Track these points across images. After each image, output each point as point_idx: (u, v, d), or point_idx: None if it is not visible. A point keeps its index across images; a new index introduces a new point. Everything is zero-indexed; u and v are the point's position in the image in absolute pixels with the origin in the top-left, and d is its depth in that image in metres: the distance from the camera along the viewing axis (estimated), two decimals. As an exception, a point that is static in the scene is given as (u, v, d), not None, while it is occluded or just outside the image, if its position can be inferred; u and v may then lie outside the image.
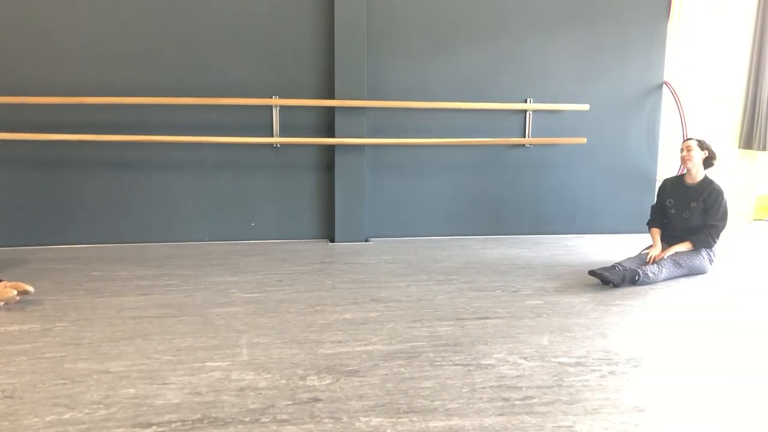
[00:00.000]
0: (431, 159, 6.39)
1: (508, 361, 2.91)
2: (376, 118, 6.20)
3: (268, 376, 2.70)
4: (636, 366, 2.87)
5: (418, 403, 2.44)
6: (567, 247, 5.93)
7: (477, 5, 6.27)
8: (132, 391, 2.53)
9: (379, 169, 6.32)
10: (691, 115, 7.87)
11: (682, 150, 4.79)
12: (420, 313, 3.69)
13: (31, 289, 3.74)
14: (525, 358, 2.95)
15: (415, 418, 2.30)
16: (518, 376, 2.72)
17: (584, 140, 6.45)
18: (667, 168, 7.48)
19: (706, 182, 4.69)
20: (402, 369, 2.80)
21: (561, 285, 4.41)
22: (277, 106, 5.95)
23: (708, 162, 4.75)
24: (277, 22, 5.93)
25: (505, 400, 2.47)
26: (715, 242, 4.62)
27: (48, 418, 2.27)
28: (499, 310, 3.75)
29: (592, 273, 4.31)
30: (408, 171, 6.38)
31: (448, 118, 6.33)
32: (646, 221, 5.19)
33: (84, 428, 2.20)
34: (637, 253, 4.85)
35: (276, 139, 5.96)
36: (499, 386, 2.61)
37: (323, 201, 6.27)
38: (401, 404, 2.42)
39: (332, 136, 6.07)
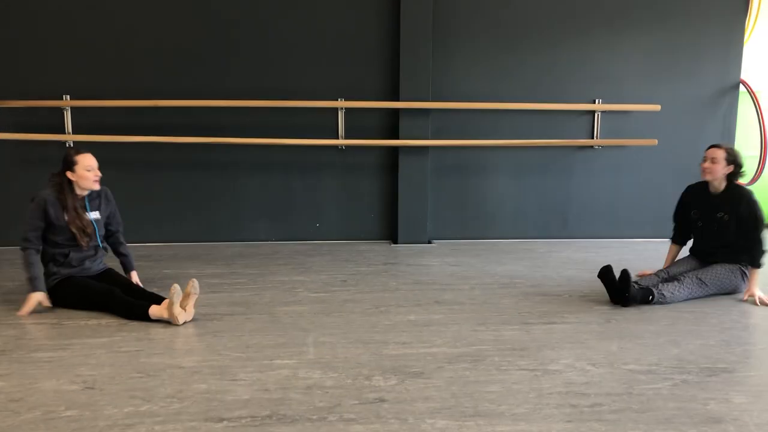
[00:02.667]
0: (495, 161, 6.34)
1: (575, 367, 2.85)
2: (440, 119, 6.19)
3: (334, 375, 2.73)
4: (711, 375, 2.76)
5: (483, 407, 2.42)
6: (636, 252, 5.78)
7: (544, 4, 6.18)
8: (203, 386, 2.61)
9: (443, 170, 6.30)
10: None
11: (705, 159, 4.11)
12: (484, 316, 3.67)
13: (191, 287, 3.49)
14: (593, 365, 2.89)
15: (481, 422, 2.29)
16: (586, 383, 2.66)
17: (655, 142, 6.27)
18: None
19: (732, 189, 4.11)
20: (467, 372, 2.78)
21: (630, 290, 4.29)
22: (342, 108, 6.02)
23: (733, 177, 4.11)
24: (343, 24, 6.00)
25: (573, 406, 2.43)
26: (765, 251, 4.02)
27: (126, 410, 2.37)
28: (566, 315, 3.69)
29: (602, 274, 3.86)
30: (471, 173, 6.34)
31: (514, 119, 6.27)
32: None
33: (159, 420, 2.28)
34: (661, 267, 4.44)
35: (341, 141, 6.03)
36: (566, 392, 2.56)
37: (386, 202, 6.30)
38: (467, 407, 2.41)
39: (396, 137, 6.10)
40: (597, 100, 6.31)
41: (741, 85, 6.54)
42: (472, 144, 6.15)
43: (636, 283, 3.93)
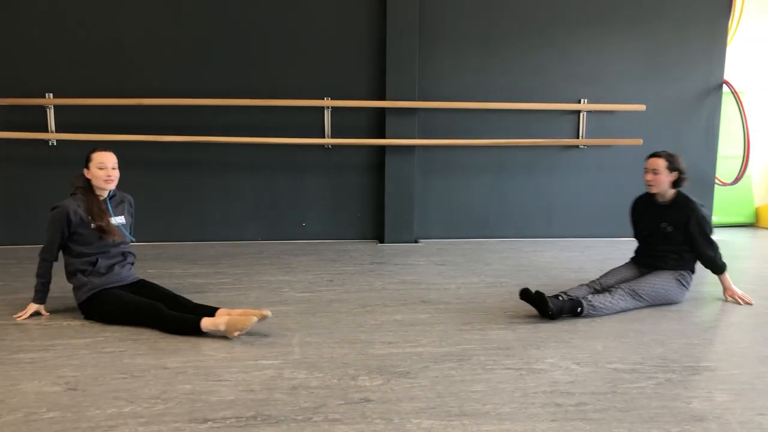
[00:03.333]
0: (482, 160, 6.36)
1: (560, 367, 2.86)
2: (427, 119, 6.20)
3: (319, 375, 2.72)
4: (694, 374, 2.79)
5: (469, 406, 2.42)
6: (621, 251, 5.81)
7: (530, 5, 6.20)
8: (188, 386, 2.59)
9: (429, 170, 6.31)
10: (754, 115, 7.63)
11: (646, 171, 3.91)
12: (470, 315, 3.67)
13: (268, 313, 3.25)
14: (578, 364, 2.90)
15: (466, 422, 2.29)
16: (571, 382, 2.67)
17: (640, 142, 6.32)
18: (726, 171, 7.26)
19: (680, 200, 3.90)
20: (453, 372, 2.79)
21: (615, 289, 4.31)
22: (328, 107, 6.01)
23: (677, 184, 3.90)
24: (329, 23, 5.99)
25: (558, 405, 2.43)
26: (721, 264, 3.91)
27: (109, 411, 2.35)
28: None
29: (523, 294, 3.59)
30: (458, 172, 6.35)
31: (500, 118, 6.29)
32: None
33: (143, 422, 2.26)
34: (596, 278, 4.13)
35: (328, 140, 6.02)
36: (551, 391, 2.57)
37: (373, 202, 6.30)
38: (452, 407, 2.41)
39: (383, 137, 6.10)
40: (582, 100, 6.34)
41: (724, 86, 6.60)
42: (458, 143, 6.16)
43: (565, 293, 3.76)
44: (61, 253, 3.56)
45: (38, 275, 3.51)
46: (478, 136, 6.25)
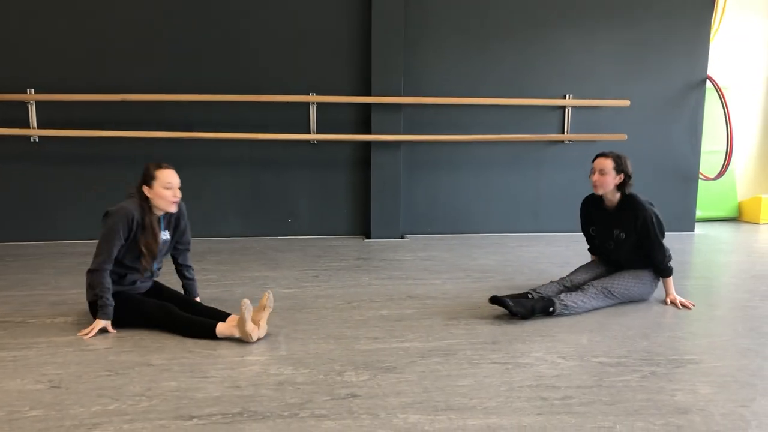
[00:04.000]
0: (468, 156, 6.37)
1: (546, 360, 2.87)
2: (413, 114, 6.20)
3: (306, 371, 2.72)
4: (678, 367, 2.81)
5: (455, 400, 2.43)
6: (606, 246, 5.84)
7: (515, 1, 6.21)
8: (173, 383, 2.57)
9: (415, 165, 6.31)
10: (737, 110, 7.70)
11: (593, 171, 3.77)
12: (457, 310, 3.68)
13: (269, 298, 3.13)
14: (564, 358, 2.91)
15: (452, 416, 2.29)
16: (557, 376, 2.69)
17: (625, 137, 6.36)
18: (709, 166, 7.33)
19: (629, 202, 3.75)
20: (439, 366, 2.79)
21: (600, 284, 4.34)
22: (314, 102, 5.99)
23: (622, 186, 3.76)
24: (314, 18, 5.97)
25: (544, 399, 2.44)
26: (670, 261, 3.78)
27: (93, 409, 2.33)
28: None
29: (493, 300, 3.45)
30: (444, 168, 6.36)
31: (486, 114, 6.30)
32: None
33: (128, 419, 2.24)
34: (566, 275, 4.02)
35: (313, 136, 6.00)
36: (537, 385, 2.58)
37: (359, 198, 6.29)
38: (439, 401, 2.41)
39: (368, 132, 6.09)
40: (567, 96, 6.37)
41: (708, 81, 6.65)
42: (444, 139, 6.17)
43: (535, 291, 3.70)
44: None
45: (102, 289, 3.16)
46: (464, 131, 6.26)
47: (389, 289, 4.19)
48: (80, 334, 3.18)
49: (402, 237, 6.31)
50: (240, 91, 5.91)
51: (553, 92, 6.38)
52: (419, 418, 2.28)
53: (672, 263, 3.81)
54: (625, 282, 3.77)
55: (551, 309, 3.49)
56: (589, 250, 4.26)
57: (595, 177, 3.74)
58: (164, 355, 2.91)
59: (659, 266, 3.78)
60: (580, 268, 4.05)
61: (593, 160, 3.79)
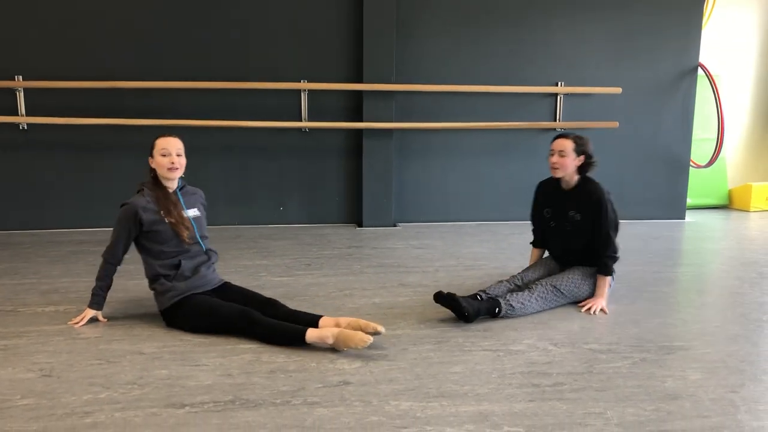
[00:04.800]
0: (460, 143, 6.36)
1: (538, 347, 2.89)
2: (405, 102, 6.18)
3: (298, 358, 2.72)
4: (668, 353, 2.83)
5: (447, 387, 2.44)
6: (597, 233, 5.86)
7: (507, -13, 6.18)
8: (165, 371, 2.57)
9: (407, 153, 6.30)
10: (728, 98, 7.72)
11: (552, 152, 3.53)
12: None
13: (381, 329, 2.89)
14: (555, 345, 2.93)
15: (444, 403, 2.30)
16: (548, 362, 2.70)
17: (616, 124, 6.37)
18: (700, 153, 7.35)
19: (586, 185, 3.56)
20: (431, 354, 2.80)
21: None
22: (305, 90, 5.96)
23: (584, 168, 3.57)
24: (306, 5, 5.92)
25: (536, 386, 2.46)
26: (617, 257, 3.53)
27: (85, 397, 2.32)
28: (528, 296, 3.72)
29: (438, 299, 3.22)
30: (436, 155, 6.35)
31: (478, 101, 6.29)
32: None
33: (119, 407, 2.24)
34: (517, 273, 3.78)
35: (304, 123, 5.97)
36: (529, 372, 2.59)
37: (351, 185, 6.28)
38: (431, 388, 2.42)
39: (360, 120, 6.07)
40: (559, 83, 6.36)
41: (699, 69, 6.66)
42: (436, 126, 6.15)
43: (484, 291, 3.47)
44: (135, 255, 3.25)
45: (98, 278, 3.15)
46: (456, 119, 6.25)
47: (381, 277, 4.19)
48: (71, 322, 3.16)
49: (394, 225, 6.31)
50: (230, 78, 5.87)
51: (545, 80, 6.37)
52: (411, 405, 2.29)
53: (615, 265, 3.54)
54: (575, 280, 3.54)
55: (497, 310, 3.27)
56: (532, 243, 4.01)
57: (555, 159, 3.51)
58: (155, 343, 2.90)
59: (603, 260, 3.50)
60: (531, 265, 3.83)
61: (553, 141, 3.56)
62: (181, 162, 3.17)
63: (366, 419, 2.18)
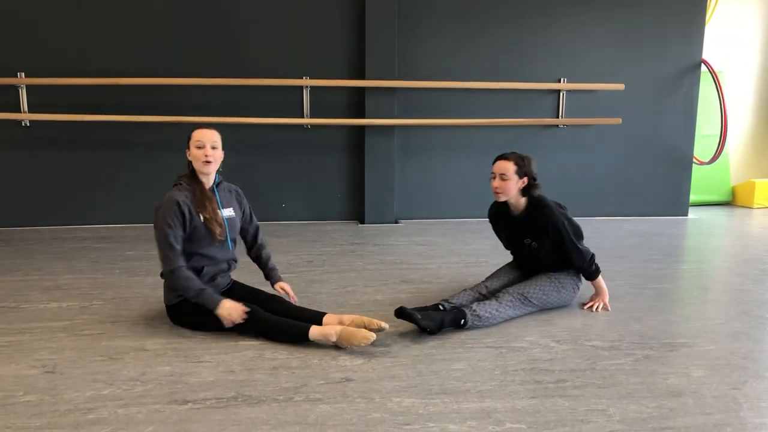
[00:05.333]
0: (462, 140, 6.35)
1: (540, 344, 2.89)
2: (407, 98, 6.17)
3: (300, 355, 2.72)
4: (671, 350, 2.83)
5: (450, 384, 2.44)
6: (599, 230, 5.86)
7: (510, -17, 6.17)
8: (168, 368, 2.57)
9: (409, 150, 6.30)
10: (731, 94, 7.70)
11: (493, 176, 3.34)
12: (451, 295, 3.66)
13: (385, 326, 2.90)
14: (557, 342, 2.93)
15: (447, 400, 2.30)
16: (551, 359, 2.70)
17: (619, 121, 6.36)
18: (703, 150, 7.33)
19: (535, 208, 3.35)
20: (433, 350, 2.80)
21: (594, 268, 4.36)
22: (307, 86, 5.96)
23: (527, 191, 3.35)
24: (308, 1, 5.91)
25: (538, 382, 2.46)
26: (593, 261, 3.38)
27: (88, 393, 2.32)
28: (530, 293, 3.71)
29: (400, 314, 2.98)
30: (438, 152, 6.35)
31: (480, 98, 6.28)
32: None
33: (122, 404, 2.24)
34: (481, 281, 3.57)
35: (306, 120, 5.97)
36: (531, 369, 2.59)
37: (353, 182, 6.28)
38: (433, 385, 2.42)
39: (362, 116, 6.06)
40: (562, 79, 6.35)
41: (702, 65, 6.64)
42: (438, 123, 6.15)
43: (447, 301, 3.28)
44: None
45: (189, 283, 2.90)
46: (458, 115, 6.24)
47: (383, 274, 4.19)
48: (227, 324, 2.92)
49: (396, 222, 6.30)
50: (233, 74, 5.87)
51: (548, 76, 6.36)
52: (414, 401, 2.29)
53: (597, 262, 3.43)
54: (543, 287, 3.37)
55: (462, 321, 3.07)
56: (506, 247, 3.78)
57: (496, 183, 3.32)
58: (158, 339, 2.90)
59: (583, 271, 3.41)
60: (496, 272, 3.64)
61: (494, 163, 3.36)
62: (216, 155, 3.05)
63: (368, 416, 2.18)
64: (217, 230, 3.02)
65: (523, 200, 3.38)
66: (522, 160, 3.31)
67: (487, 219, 3.69)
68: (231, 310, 2.89)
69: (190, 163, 3.06)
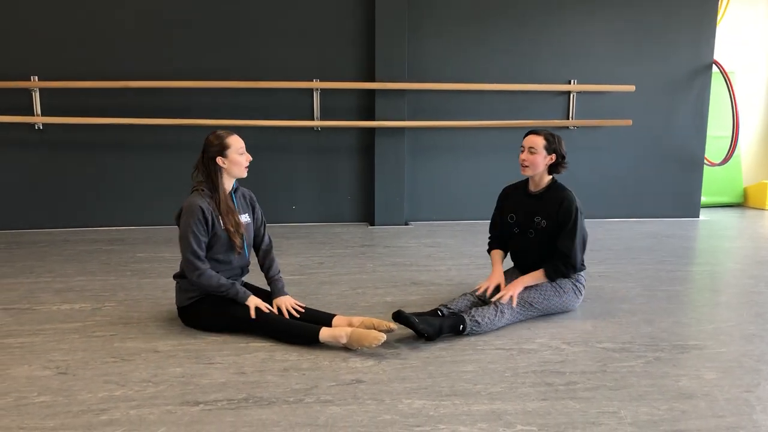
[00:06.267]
0: (472, 142, 6.35)
1: (551, 346, 2.88)
2: (417, 100, 6.17)
3: (311, 357, 2.73)
4: (683, 352, 2.81)
5: (460, 386, 2.44)
6: (609, 231, 5.84)
7: (520, -15, 6.16)
8: (179, 369, 2.58)
9: (419, 152, 6.30)
10: (743, 95, 7.65)
11: (522, 149, 3.34)
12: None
13: (395, 326, 2.89)
14: (568, 344, 2.92)
15: (457, 402, 2.30)
16: (561, 361, 2.69)
17: (630, 122, 6.34)
18: (715, 151, 7.29)
19: (555, 189, 3.37)
20: (443, 352, 2.80)
21: (604, 270, 4.34)
22: (317, 89, 5.97)
23: (554, 169, 3.36)
24: (318, 4, 5.93)
25: (549, 384, 2.45)
26: (576, 269, 3.27)
27: (100, 395, 2.34)
28: (541, 295, 3.70)
29: (397, 318, 2.91)
30: (448, 154, 6.34)
31: (490, 100, 6.27)
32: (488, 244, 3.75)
33: (134, 405, 2.26)
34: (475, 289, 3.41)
35: (317, 122, 5.98)
36: (542, 371, 2.59)
37: (363, 184, 6.28)
38: (443, 387, 2.42)
39: (372, 119, 6.07)
40: (572, 81, 6.33)
41: (714, 66, 6.60)
42: (448, 125, 6.14)
43: (446, 306, 3.21)
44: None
45: (216, 283, 2.96)
46: (468, 117, 6.23)
47: (393, 276, 4.19)
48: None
49: (406, 224, 6.30)
50: (243, 77, 5.89)
51: (558, 77, 6.34)
52: (424, 403, 2.29)
53: (574, 273, 3.31)
54: (545, 292, 3.30)
55: (461, 327, 3.00)
56: (489, 246, 3.68)
57: (525, 156, 3.31)
58: (170, 341, 2.92)
59: (560, 262, 3.24)
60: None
61: (524, 137, 3.37)
62: (251, 158, 3.19)
63: (379, 417, 2.18)
64: (238, 242, 3.06)
65: (547, 178, 3.39)
66: (552, 137, 3.33)
67: (497, 198, 3.66)
68: (259, 302, 3.01)
69: (214, 170, 3.06)
